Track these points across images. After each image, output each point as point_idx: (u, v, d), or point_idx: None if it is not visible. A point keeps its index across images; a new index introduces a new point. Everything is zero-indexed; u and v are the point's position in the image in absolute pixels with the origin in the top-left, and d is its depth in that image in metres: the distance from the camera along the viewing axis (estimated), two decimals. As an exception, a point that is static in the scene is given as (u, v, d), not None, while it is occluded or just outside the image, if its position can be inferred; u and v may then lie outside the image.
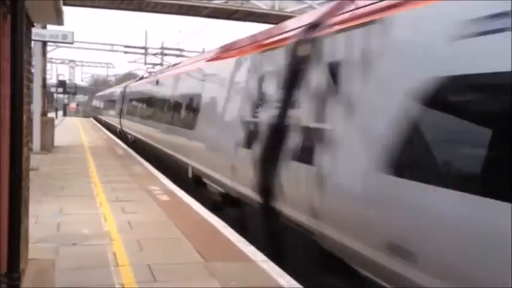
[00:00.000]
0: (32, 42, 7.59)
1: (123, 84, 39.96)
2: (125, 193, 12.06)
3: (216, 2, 24.45)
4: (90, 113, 74.77)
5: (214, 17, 27.26)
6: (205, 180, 11.83)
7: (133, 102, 28.51)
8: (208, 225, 9.18)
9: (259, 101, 8.62)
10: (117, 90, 41.94)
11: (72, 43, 20.96)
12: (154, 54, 54.57)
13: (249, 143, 8.73)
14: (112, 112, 41.07)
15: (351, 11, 6.41)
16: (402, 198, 4.68)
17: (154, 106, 21.10)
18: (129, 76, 68.78)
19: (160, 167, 17.05)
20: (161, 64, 51.11)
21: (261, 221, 8.33)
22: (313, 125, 6.64)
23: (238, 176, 9.17)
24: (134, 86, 30.70)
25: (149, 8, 26.19)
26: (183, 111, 15.33)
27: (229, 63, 11.05)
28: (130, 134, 28.27)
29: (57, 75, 70.25)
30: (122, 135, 32.89)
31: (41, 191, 11.30)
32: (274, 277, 6.40)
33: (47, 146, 20.79)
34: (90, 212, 9.79)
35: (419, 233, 4.40)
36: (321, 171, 6.17)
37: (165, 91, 19.14)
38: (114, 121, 38.42)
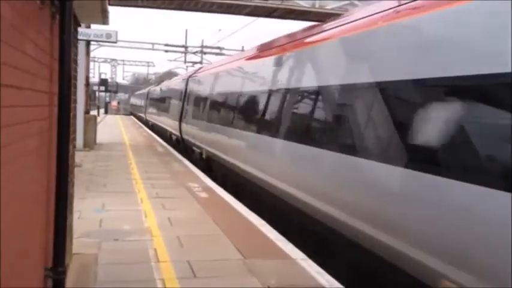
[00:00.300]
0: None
1: (184, 75, 31.12)
2: (165, 190, 12.20)
3: (257, 0, 24.43)
4: (131, 111, 75.53)
5: (255, 15, 27.24)
6: None
7: (211, 100, 17.66)
8: (247, 222, 9.23)
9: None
10: (173, 84, 32.23)
11: (115, 42, 21.29)
12: (194, 53, 54.95)
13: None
14: (164, 114, 31.37)
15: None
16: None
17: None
18: (169, 75, 69.49)
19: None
20: (200, 62, 51.38)
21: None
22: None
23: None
24: (206, 77, 20.27)
25: (190, 7, 26.31)
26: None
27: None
28: (201, 148, 18.62)
29: (100, 74, 71.66)
30: (182, 146, 23.95)
31: (84, 187, 11.55)
32: (314, 276, 6.41)
33: (90, 143, 21.16)
34: (131, 208, 9.97)
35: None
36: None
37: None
38: (169, 126, 28.60)
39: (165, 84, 38.45)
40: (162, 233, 8.16)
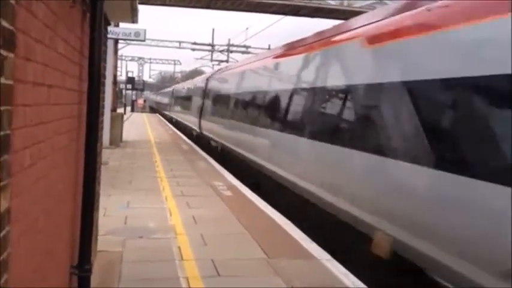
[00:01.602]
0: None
1: (205, 75, 31.02)
2: (189, 188, 12.24)
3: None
4: (157, 108, 76.12)
5: (282, 14, 27.24)
6: None
7: (225, 99, 19.36)
8: (271, 221, 9.22)
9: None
10: (196, 83, 32.56)
11: (144, 40, 21.41)
12: (221, 51, 55.10)
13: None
14: (187, 111, 32.40)
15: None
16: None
17: None
18: (196, 73, 69.71)
19: None
20: (227, 61, 51.47)
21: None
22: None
23: None
24: (221, 78, 21.94)
25: (218, 5, 26.44)
26: None
27: None
28: (217, 141, 20.05)
29: (127, 72, 72.29)
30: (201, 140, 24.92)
31: (110, 185, 11.62)
32: (339, 276, 6.36)
33: (116, 140, 21.35)
34: (156, 206, 10.01)
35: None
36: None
37: None
38: (190, 122, 29.97)
39: (189, 83, 40.07)
40: (187, 231, 8.18)
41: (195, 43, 54.40)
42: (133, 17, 6.45)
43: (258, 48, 49.70)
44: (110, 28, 17.46)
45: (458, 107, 5.77)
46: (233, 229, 8.56)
